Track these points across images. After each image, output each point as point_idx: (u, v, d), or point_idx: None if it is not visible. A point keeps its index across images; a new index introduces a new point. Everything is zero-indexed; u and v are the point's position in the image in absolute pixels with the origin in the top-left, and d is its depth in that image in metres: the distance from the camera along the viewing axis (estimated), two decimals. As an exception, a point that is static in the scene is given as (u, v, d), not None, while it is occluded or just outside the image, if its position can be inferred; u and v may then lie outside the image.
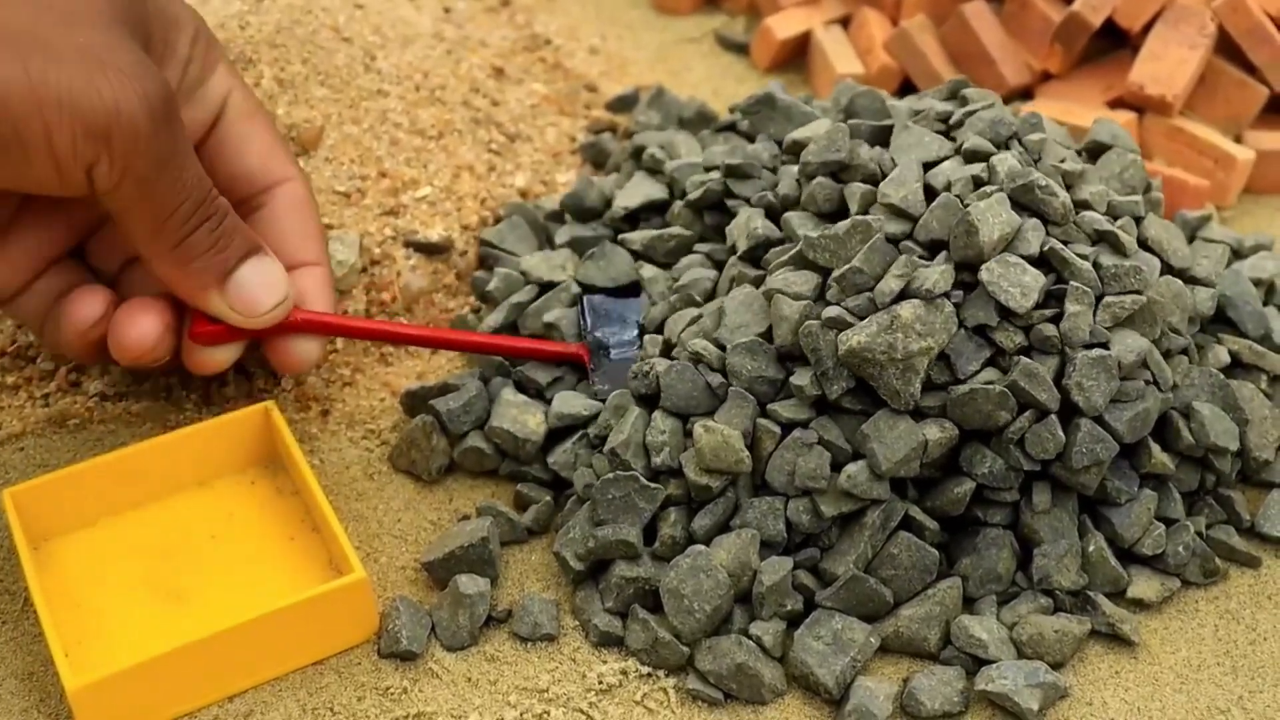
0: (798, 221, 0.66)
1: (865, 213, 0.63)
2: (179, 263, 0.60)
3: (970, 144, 0.64)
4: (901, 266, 0.60)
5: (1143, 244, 0.66)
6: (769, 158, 0.72)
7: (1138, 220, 0.65)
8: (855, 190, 0.64)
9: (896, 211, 0.62)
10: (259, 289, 0.62)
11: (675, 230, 0.72)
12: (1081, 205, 0.65)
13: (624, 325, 0.70)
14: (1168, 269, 0.66)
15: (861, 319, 0.60)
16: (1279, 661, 0.61)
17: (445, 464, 0.68)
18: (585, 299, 0.70)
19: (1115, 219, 0.64)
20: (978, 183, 0.62)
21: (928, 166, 0.65)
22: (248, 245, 0.62)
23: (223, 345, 0.64)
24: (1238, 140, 0.83)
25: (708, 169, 0.73)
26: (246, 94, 0.67)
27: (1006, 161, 0.62)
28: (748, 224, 0.67)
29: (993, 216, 0.60)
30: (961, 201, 0.62)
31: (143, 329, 0.62)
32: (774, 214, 0.68)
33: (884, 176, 0.65)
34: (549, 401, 0.68)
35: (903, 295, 0.60)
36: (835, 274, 0.61)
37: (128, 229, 0.59)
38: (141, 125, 0.55)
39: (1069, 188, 0.65)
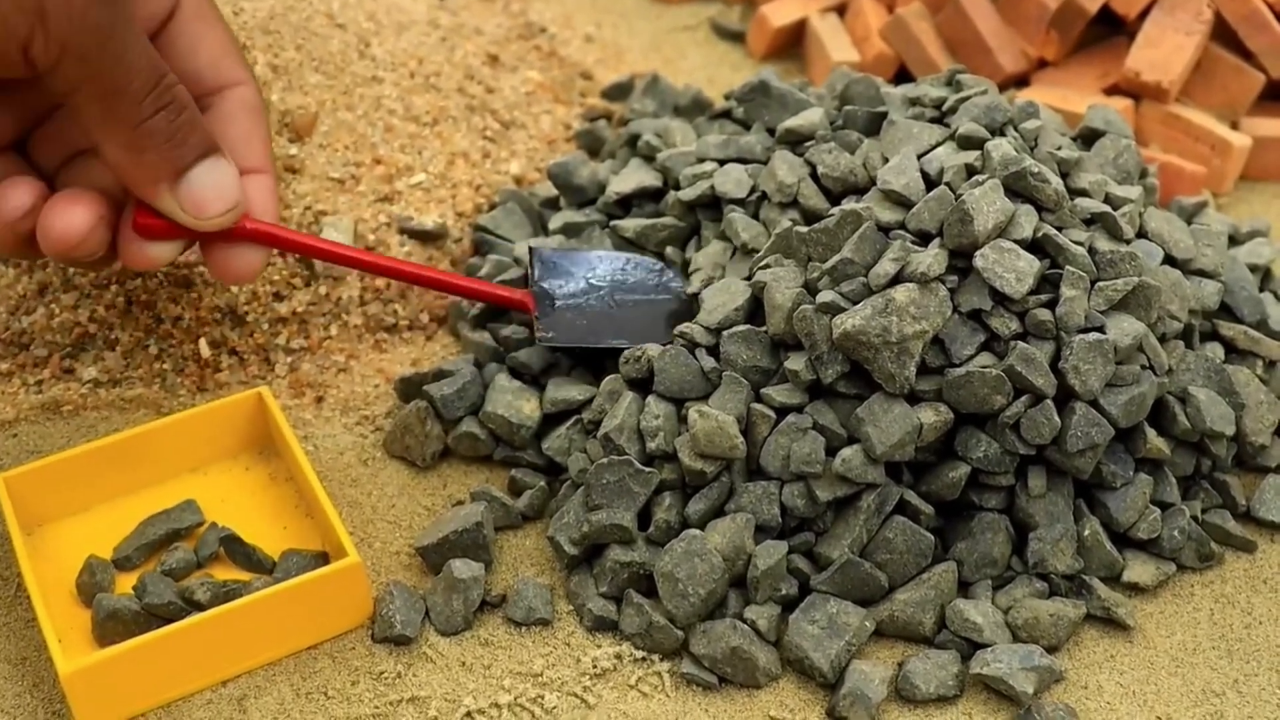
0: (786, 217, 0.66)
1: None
2: (133, 150, 0.58)
3: (965, 129, 0.64)
4: (896, 251, 0.60)
5: (1144, 236, 0.66)
6: (762, 150, 0.72)
7: (1139, 213, 0.65)
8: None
9: (896, 199, 0.62)
10: (212, 191, 0.60)
11: (668, 220, 0.71)
12: (1078, 193, 0.65)
13: (570, 278, 0.70)
14: (1169, 260, 0.66)
15: (856, 304, 0.60)
16: (1274, 645, 0.61)
17: (439, 450, 0.67)
18: (533, 250, 0.70)
19: (1115, 208, 0.64)
20: (970, 171, 0.62)
21: (921, 156, 0.65)
22: (205, 144, 0.60)
23: (163, 241, 0.62)
24: (1234, 127, 0.83)
25: (700, 159, 0.73)
26: None
27: (1000, 148, 0.62)
28: (743, 229, 0.68)
29: (987, 205, 0.60)
30: (953, 190, 0.61)
31: (72, 220, 0.60)
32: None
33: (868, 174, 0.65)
34: (543, 388, 0.67)
35: (896, 279, 0.60)
36: (826, 265, 0.61)
37: (81, 114, 0.57)
38: None
39: (1065, 175, 0.65)
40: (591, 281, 0.70)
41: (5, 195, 0.61)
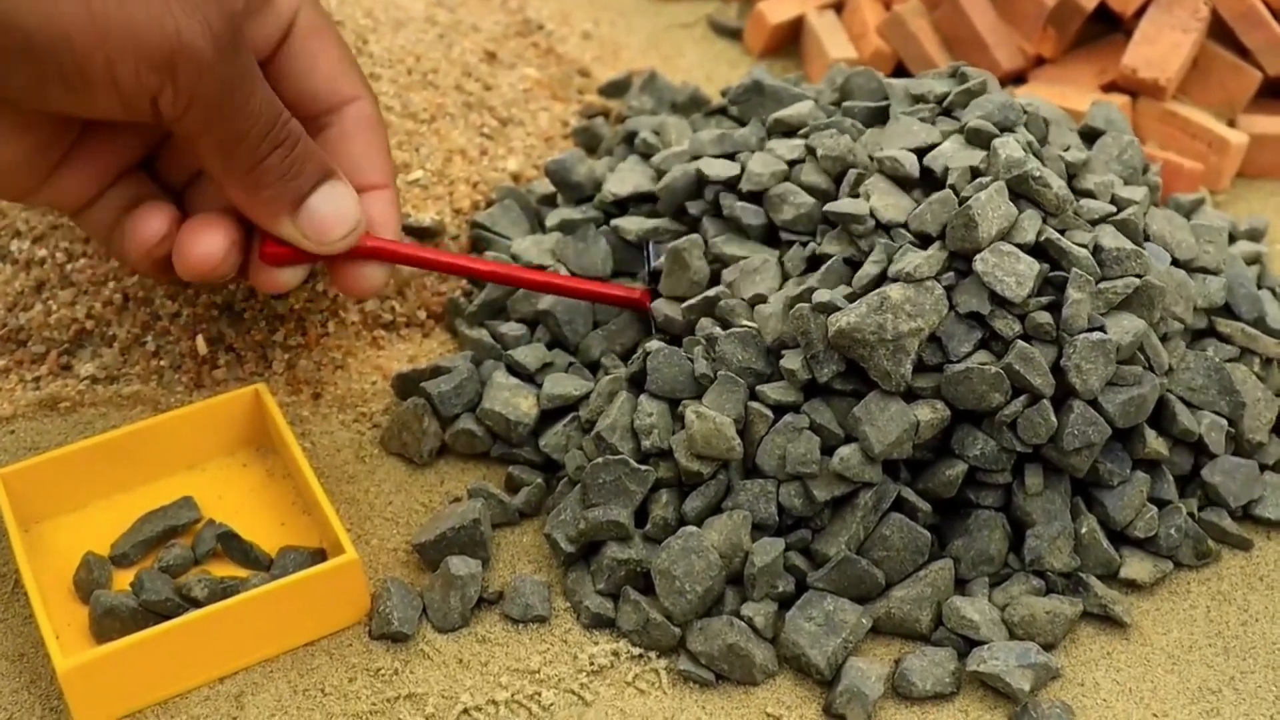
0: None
1: (855, 195, 0.64)
2: (251, 189, 0.59)
3: (974, 124, 0.64)
4: (880, 252, 0.61)
5: (1147, 238, 0.66)
6: (756, 142, 0.72)
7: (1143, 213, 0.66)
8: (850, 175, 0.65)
9: (899, 179, 0.63)
10: (331, 216, 0.61)
11: (667, 224, 0.71)
12: (1084, 194, 0.65)
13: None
14: (1174, 262, 0.66)
15: (851, 302, 0.60)
16: (1270, 643, 0.61)
17: (436, 446, 0.67)
18: (650, 242, 0.70)
19: (1120, 209, 0.64)
20: (975, 173, 0.62)
21: (921, 154, 0.65)
22: (321, 171, 0.61)
23: (291, 266, 0.63)
24: (1231, 124, 0.83)
25: (695, 157, 0.72)
26: (315, 9, 0.65)
27: (1008, 146, 0.62)
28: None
29: (992, 210, 0.60)
30: (957, 193, 0.62)
31: (207, 246, 0.61)
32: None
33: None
34: (540, 385, 0.67)
35: (882, 279, 0.60)
36: (821, 270, 0.62)
37: (199, 155, 0.59)
38: (205, 53, 0.54)
39: (1072, 177, 0.65)
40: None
41: (142, 222, 0.62)
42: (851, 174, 0.65)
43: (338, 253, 0.62)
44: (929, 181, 0.64)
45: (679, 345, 0.64)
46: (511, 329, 0.69)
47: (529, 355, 0.68)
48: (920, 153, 0.65)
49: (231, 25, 0.56)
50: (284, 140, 0.59)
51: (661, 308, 0.66)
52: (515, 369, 0.68)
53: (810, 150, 0.67)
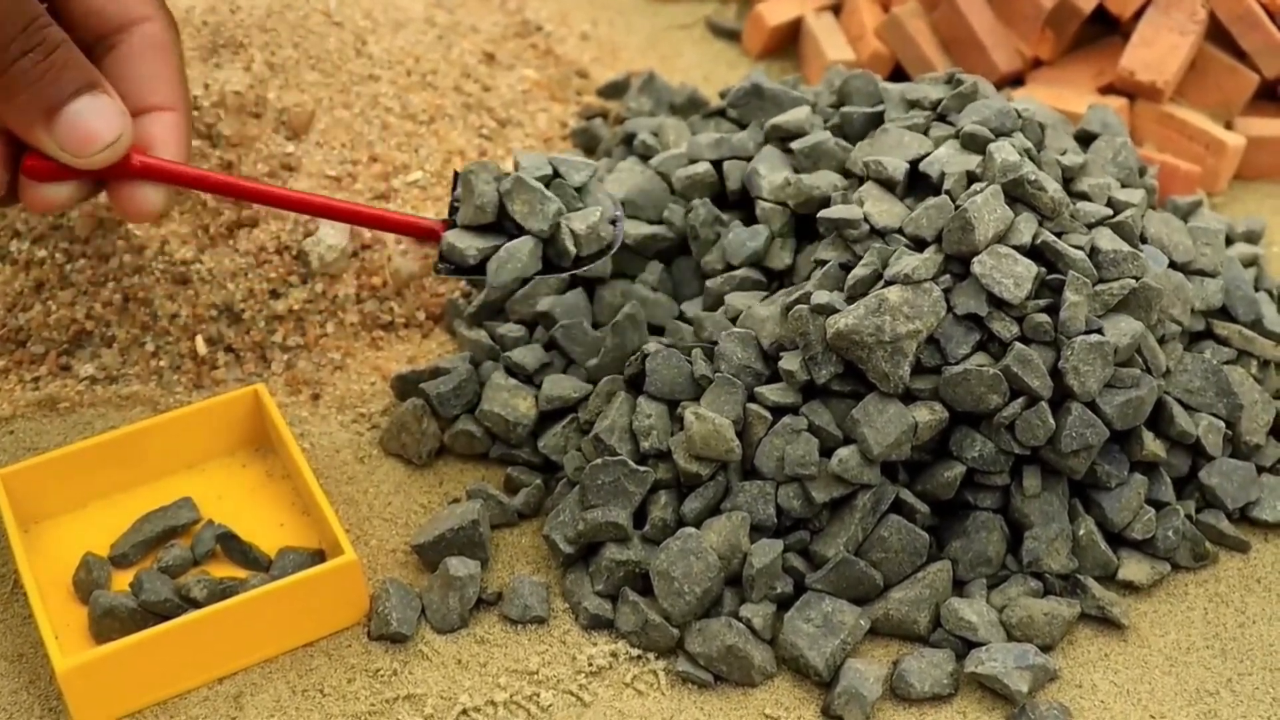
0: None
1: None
2: (3, 95, 0.57)
3: (969, 129, 0.64)
4: (873, 255, 0.61)
5: (1144, 240, 0.66)
6: (755, 149, 0.72)
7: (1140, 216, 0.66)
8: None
9: (889, 184, 0.63)
10: (90, 127, 0.58)
11: (664, 231, 0.71)
12: (1080, 197, 0.65)
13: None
14: (1171, 264, 0.66)
15: (848, 305, 0.60)
16: (1268, 644, 0.61)
17: (435, 447, 0.68)
18: (458, 174, 0.65)
19: (1117, 212, 0.64)
20: (971, 178, 0.62)
21: (913, 163, 0.65)
22: (81, 80, 0.58)
23: (59, 183, 0.60)
24: (1228, 126, 0.83)
25: (693, 160, 0.73)
26: None
27: (1003, 150, 0.62)
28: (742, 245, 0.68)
29: (989, 213, 0.60)
30: (953, 199, 0.62)
31: None
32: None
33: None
34: (539, 386, 0.67)
35: (875, 281, 0.60)
36: (819, 272, 0.62)
37: None
38: None
39: (1069, 180, 0.65)
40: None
41: None
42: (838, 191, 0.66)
43: (98, 167, 0.59)
44: (924, 187, 0.64)
45: (465, 274, 0.62)
46: (510, 329, 0.70)
47: (527, 356, 0.68)
48: (912, 162, 0.65)
49: None
50: (38, 44, 0.57)
51: (450, 238, 0.63)
52: (514, 370, 0.68)
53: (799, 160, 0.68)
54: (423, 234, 0.64)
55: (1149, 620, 0.62)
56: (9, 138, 0.60)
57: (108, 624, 0.59)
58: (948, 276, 0.60)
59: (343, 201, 0.64)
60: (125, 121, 0.59)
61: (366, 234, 0.73)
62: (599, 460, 0.61)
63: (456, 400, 0.67)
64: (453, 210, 0.64)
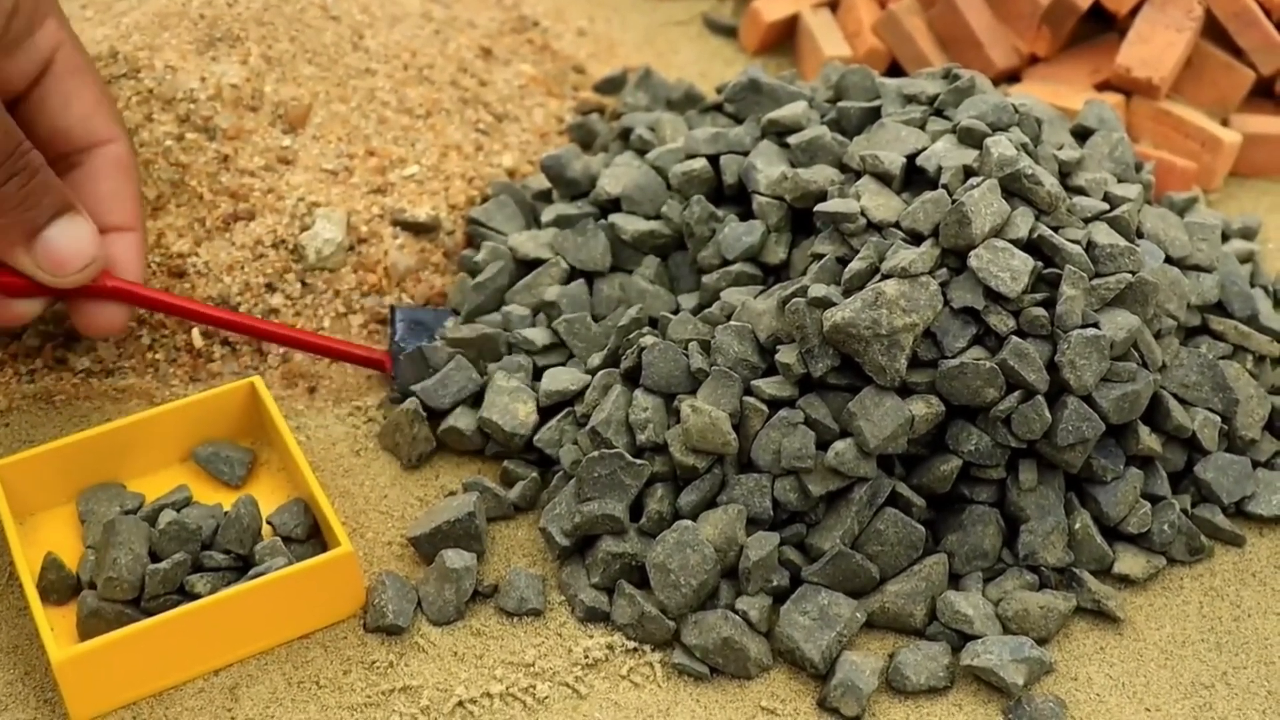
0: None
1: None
2: None
3: (966, 123, 0.64)
4: (869, 249, 0.61)
5: (1141, 235, 0.66)
6: (752, 144, 0.72)
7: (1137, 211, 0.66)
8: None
9: (885, 178, 0.63)
10: (67, 249, 0.61)
11: (661, 227, 0.71)
12: (1077, 191, 0.65)
13: (432, 339, 0.70)
14: (1167, 259, 0.66)
15: (844, 298, 0.60)
16: (1263, 638, 0.61)
17: (427, 451, 0.67)
18: (395, 310, 0.70)
19: (1113, 206, 0.64)
20: (968, 173, 0.63)
21: (910, 158, 0.65)
22: (59, 204, 0.61)
23: (27, 299, 0.63)
24: (1224, 123, 0.83)
25: (690, 155, 0.73)
26: (76, 49, 0.65)
27: (1000, 145, 0.62)
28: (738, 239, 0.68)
29: (985, 207, 0.60)
30: (950, 193, 0.62)
31: None
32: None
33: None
34: (541, 373, 0.67)
35: (871, 274, 0.60)
36: (816, 266, 0.62)
37: None
38: None
39: (1066, 175, 0.65)
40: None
41: None
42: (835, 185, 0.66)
43: (73, 288, 0.62)
44: (921, 181, 0.64)
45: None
46: (516, 309, 0.69)
47: (536, 334, 0.68)
48: (909, 157, 0.65)
49: None
50: (21, 169, 0.59)
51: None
52: (520, 346, 0.68)
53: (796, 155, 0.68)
54: (370, 365, 0.69)
55: (1144, 614, 0.62)
56: None
57: (93, 624, 0.58)
58: (944, 270, 0.61)
59: (305, 332, 0.69)
60: (99, 243, 0.62)
61: (363, 228, 0.73)
62: (595, 453, 0.61)
63: (444, 391, 0.67)
64: (393, 343, 0.69)
